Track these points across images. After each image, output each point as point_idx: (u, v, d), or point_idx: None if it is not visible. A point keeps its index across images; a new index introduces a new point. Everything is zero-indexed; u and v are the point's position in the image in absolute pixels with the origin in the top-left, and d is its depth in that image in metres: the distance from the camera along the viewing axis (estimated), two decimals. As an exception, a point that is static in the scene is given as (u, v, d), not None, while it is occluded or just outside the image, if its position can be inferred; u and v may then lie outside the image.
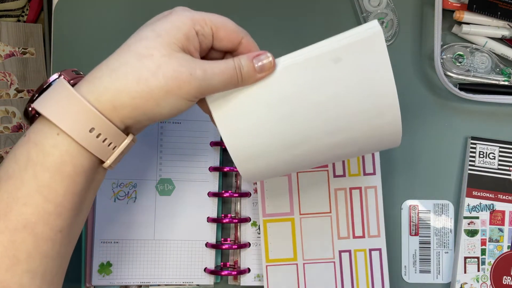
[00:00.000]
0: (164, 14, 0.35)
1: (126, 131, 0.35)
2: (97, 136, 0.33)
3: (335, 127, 0.35)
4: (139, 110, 0.33)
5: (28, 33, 0.87)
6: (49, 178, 0.32)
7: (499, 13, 0.51)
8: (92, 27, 0.54)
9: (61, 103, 0.32)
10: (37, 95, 0.35)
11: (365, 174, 0.50)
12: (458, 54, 0.53)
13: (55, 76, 0.36)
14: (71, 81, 0.35)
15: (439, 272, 0.52)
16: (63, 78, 0.35)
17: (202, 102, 0.37)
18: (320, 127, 0.35)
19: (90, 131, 0.32)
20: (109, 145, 0.34)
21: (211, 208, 0.50)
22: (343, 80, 0.34)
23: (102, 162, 0.35)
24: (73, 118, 0.32)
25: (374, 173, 0.50)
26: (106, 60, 0.34)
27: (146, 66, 0.32)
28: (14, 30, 0.85)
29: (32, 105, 0.34)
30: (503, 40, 0.53)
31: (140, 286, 0.50)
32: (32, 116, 0.35)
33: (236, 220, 0.50)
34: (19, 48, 0.86)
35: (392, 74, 0.33)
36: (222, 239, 0.51)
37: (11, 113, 0.85)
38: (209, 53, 0.37)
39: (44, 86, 0.36)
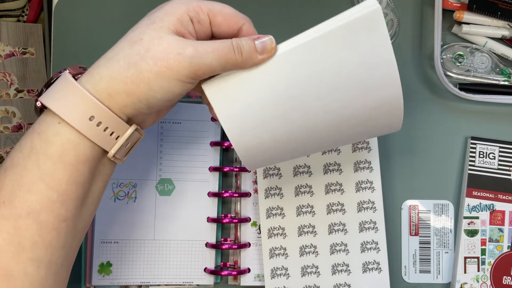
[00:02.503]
0: (163, 4, 0.35)
1: (130, 122, 0.35)
2: (98, 125, 0.33)
3: (337, 106, 0.35)
4: (133, 96, 0.33)
5: (28, 33, 0.87)
6: (52, 166, 0.32)
7: (499, 13, 0.51)
8: (92, 27, 0.54)
9: (61, 93, 0.33)
10: (45, 89, 0.36)
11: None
12: (458, 54, 0.53)
13: (62, 70, 0.37)
14: (77, 76, 0.36)
15: (439, 272, 0.52)
16: (68, 72, 0.36)
17: (203, 92, 0.36)
18: (322, 107, 0.35)
19: (90, 119, 0.33)
20: (111, 134, 0.34)
21: (211, 208, 0.50)
22: (344, 59, 0.33)
23: (107, 152, 0.35)
24: (73, 107, 0.33)
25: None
26: (105, 52, 0.34)
27: (136, 51, 0.33)
28: (14, 30, 0.85)
29: (38, 99, 0.34)
30: (503, 40, 0.53)
31: (140, 286, 0.50)
32: (40, 110, 0.36)
33: (236, 220, 0.50)
34: (19, 48, 0.86)
35: (391, 49, 0.33)
36: (222, 239, 0.51)
37: (11, 113, 0.85)
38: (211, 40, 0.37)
39: (51, 81, 0.36)
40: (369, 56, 0.33)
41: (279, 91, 0.34)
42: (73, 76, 0.34)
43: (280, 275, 0.49)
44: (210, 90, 0.35)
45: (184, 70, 0.32)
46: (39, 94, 0.36)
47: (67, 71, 0.36)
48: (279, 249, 0.49)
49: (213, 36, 0.36)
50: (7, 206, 0.32)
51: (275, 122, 0.35)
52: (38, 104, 0.35)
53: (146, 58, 0.32)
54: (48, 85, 0.36)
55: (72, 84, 0.33)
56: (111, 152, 0.35)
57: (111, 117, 0.33)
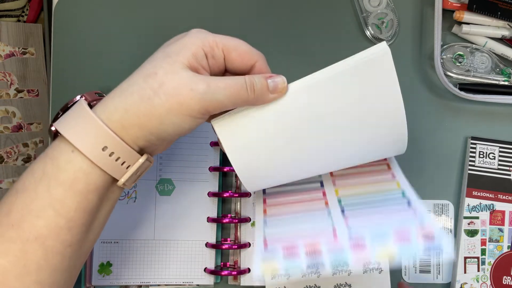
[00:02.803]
0: (179, 36, 0.36)
1: (141, 152, 0.36)
2: (110, 155, 0.33)
3: (343, 142, 0.36)
4: (146, 129, 0.33)
5: (28, 33, 0.87)
6: (62, 193, 0.33)
7: (499, 13, 0.51)
8: (92, 27, 0.54)
9: (76, 122, 0.34)
10: (61, 113, 0.37)
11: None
12: (458, 54, 0.53)
13: (78, 97, 0.37)
14: (93, 103, 0.36)
15: (439, 272, 0.52)
16: (84, 99, 0.36)
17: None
18: (328, 144, 0.36)
19: (103, 149, 0.33)
20: (122, 164, 0.34)
21: (211, 208, 0.51)
22: (353, 100, 0.35)
23: (116, 180, 0.35)
24: (86, 136, 0.33)
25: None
26: (122, 82, 0.35)
27: (150, 85, 0.33)
28: (14, 30, 0.85)
29: (53, 124, 0.35)
30: (503, 40, 0.53)
31: (140, 286, 0.50)
32: (54, 134, 0.36)
33: (236, 220, 0.50)
34: (19, 48, 0.86)
35: (399, 91, 0.34)
36: (222, 239, 0.51)
37: (11, 113, 0.85)
38: (224, 76, 0.37)
39: (68, 106, 0.37)
40: (378, 97, 0.35)
41: (287, 129, 0.35)
42: (89, 103, 0.35)
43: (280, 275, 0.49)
44: (218, 125, 0.36)
45: (196, 106, 0.33)
46: (55, 118, 0.37)
47: (83, 98, 0.37)
48: None
49: (226, 71, 0.37)
50: (15, 229, 0.32)
51: (282, 156, 0.36)
52: (53, 128, 0.36)
53: (159, 93, 0.32)
54: (64, 109, 0.37)
55: (88, 113, 0.33)
56: (121, 180, 0.35)
57: (124, 148, 0.34)
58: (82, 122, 0.33)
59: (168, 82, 0.32)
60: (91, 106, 0.34)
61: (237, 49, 0.35)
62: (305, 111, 0.35)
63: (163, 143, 0.36)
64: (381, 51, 0.34)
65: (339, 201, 0.40)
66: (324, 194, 0.42)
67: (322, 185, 0.43)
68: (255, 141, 0.36)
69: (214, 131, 0.36)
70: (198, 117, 0.34)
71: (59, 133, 0.34)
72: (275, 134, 0.35)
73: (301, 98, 0.35)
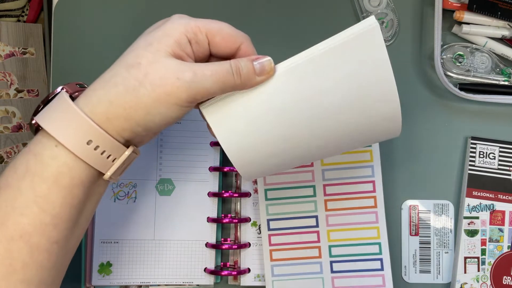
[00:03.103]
0: (160, 23, 0.35)
1: (127, 144, 0.35)
2: (95, 149, 0.33)
3: (336, 121, 0.35)
4: (132, 120, 0.33)
5: (28, 33, 0.87)
6: (46, 189, 0.32)
7: (499, 13, 0.51)
8: (92, 27, 0.54)
9: (59, 116, 0.33)
10: (42, 106, 0.36)
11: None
12: (458, 54, 0.53)
13: (59, 89, 0.36)
14: (74, 94, 0.35)
15: (439, 272, 0.52)
16: (65, 91, 0.35)
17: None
18: (320, 123, 0.35)
19: (88, 143, 0.32)
20: (108, 157, 0.34)
21: (211, 208, 0.50)
22: (343, 77, 0.34)
23: (102, 174, 0.35)
24: (70, 130, 0.32)
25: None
26: (103, 73, 0.34)
27: (134, 75, 0.32)
28: (14, 30, 0.85)
29: (34, 118, 0.34)
30: (503, 40, 0.53)
31: (140, 286, 0.50)
32: (36, 128, 0.35)
33: (236, 220, 0.50)
34: (19, 48, 0.86)
35: (389, 63, 0.33)
36: (222, 239, 0.51)
37: (11, 113, 0.85)
38: (208, 60, 0.36)
39: (49, 98, 0.36)
40: (368, 73, 0.33)
41: (277, 110, 0.34)
42: (70, 95, 0.34)
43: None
44: (208, 111, 0.35)
45: (183, 95, 0.32)
46: (36, 111, 0.35)
47: (64, 90, 0.35)
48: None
49: (211, 55, 0.36)
50: None
51: (273, 139, 0.35)
52: (34, 122, 0.35)
53: (145, 83, 0.32)
54: (45, 102, 0.36)
55: (70, 107, 0.33)
56: (107, 174, 0.34)
57: (109, 141, 0.33)
58: (65, 115, 0.32)
59: (153, 72, 0.32)
60: (73, 98, 0.33)
61: (221, 33, 0.35)
62: (294, 91, 0.34)
63: (149, 134, 0.36)
64: (369, 26, 0.33)
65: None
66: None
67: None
68: (245, 125, 0.35)
69: (203, 117, 0.35)
70: (186, 106, 0.33)
71: (41, 127, 0.33)
72: (265, 116, 0.34)
73: (289, 78, 0.34)
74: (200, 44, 0.34)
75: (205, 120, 0.35)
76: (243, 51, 0.36)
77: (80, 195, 0.34)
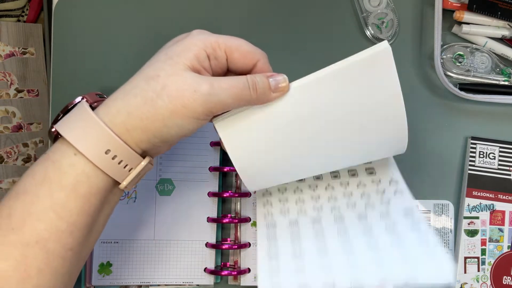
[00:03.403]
0: (180, 37, 0.36)
1: (143, 154, 0.36)
2: (113, 158, 0.33)
3: (344, 139, 0.36)
4: (149, 132, 0.33)
5: (28, 33, 0.87)
6: (64, 196, 0.33)
7: (499, 13, 0.51)
8: (92, 27, 0.54)
9: (78, 124, 0.33)
10: (61, 115, 0.36)
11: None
12: (458, 54, 0.53)
13: (79, 98, 0.37)
14: (94, 104, 0.36)
15: (439, 272, 0.52)
16: (85, 100, 0.36)
17: None
18: (329, 140, 0.36)
19: (106, 152, 0.33)
20: (125, 167, 0.34)
21: (211, 208, 0.50)
22: (354, 96, 0.35)
23: (118, 183, 0.35)
24: (90, 139, 0.33)
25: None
26: (124, 84, 0.35)
27: (152, 87, 0.33)
28: (14, 30, 0.85)
29: (54, 126, 0.34)
30: (503, 40, 0.53)
31: (140, 286, 0.50)
32: (55, 136, 0.36)
33: (236, 220, 0.50)
34: (19, 48, 0.86)
35: (400, 90, 0.34)
36: (222, 239, 0.51)
37: (11, 113, 0.85)
38: (225, 75, 0.37)
39: (69, 107, 0.36)
40: (378, 92, 0.35)
41: (289, 126, 0.35)
42: (90, 105, 0.34)
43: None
44: (220, 124, 0.36)
45: (199, 108, 0.32)
46: (55, 120, 0.36)
47: (84, 99, 0.36)
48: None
49: (228, 71, 0.37)
50: (16, 233, 0.32)
51: (283, 155, 0.36)
52: (54, 130, 0.35)
53: (162, 95, 0.32)
54: (65, 111, 0.36)
55: (90, 116, 0.33)
56: (123, 184, 0.35)
57: (127, 151, 0.34)
58: (84, 124, 0.33)
59: (171, 84, 0.32)
60: (92, 108, 0.34)
61: (239, 49, 0.35)
62: (306, 109, 0.35)
63: (166, 145, 0.36)
64: (382, 50, 0.34)
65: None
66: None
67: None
68: (256, 140, 0.36)
69: (216, 131, 0.36)
70: (202, 119, 0.33)
71: (60, 135, 0.34)
72: (277, 133, 0.35)
73: (302, 96, 0.35)
74: (219, 60, 0.35)
75: (218, 134, 0.36)
76: (259, 68, 0.36)
77: (96, 204, 0.34)
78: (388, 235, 0.37)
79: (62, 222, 0.33)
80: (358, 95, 0.35)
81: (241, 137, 0.36)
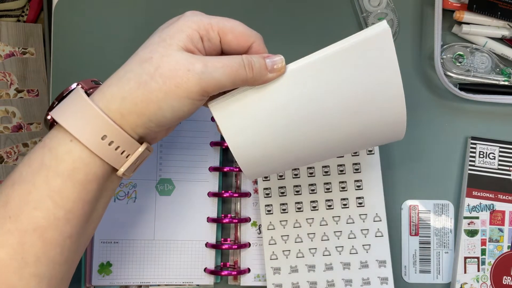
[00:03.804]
0: (173, 19, 0.35)
1: (141, 140, 0.35)
2: (110, 144, 0.33)
3: (342, 122, 0.35)
4: (144, 116, 0.33)
5: (28, 33, 0.87)
6: (61, 184, 0.32)
7: (499, 13, 0.51)
8: (92, 27, 0.54)
9: (74, 111, 0.33)
10: (56, 102, 0.36)
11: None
12: (458, 54, 0.53)
13: (74, 85, 0.36)
14: (89, 90, 0.36)
15: (439, 272, 0.52)
16: (80, 87, 0.35)
17: None
18: (327, 123, 0.35)
19: (102, 138, 0.33)
20: (122, 153, 0.34)
21: (211, 208, 0.50)
22: (352, 78, 0.34)
23: (116, 170, 0.35)
24: (85, 125, 0.32)
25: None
26: (118, 69, 0.34)
27: (146, 70, 0.32)
28: (14, 30, 0.85)
29: (49, 113, 0.34)
30: (503, 40, 0.53)
31: (140, 286, 0.50)
32: (51, 124, 0.35)
33: (236, 220, 0.50)
34: (19, 48, 0.86)
35: (398, 67, 0.34)
36: (222, 239, 0.51)
37: (11, 113, 0.85)
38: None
39: (64, 94, 0.36)
40: (376, 74, 0.34)
41: (286, 109, 0.35)
42: (85, 91, 0.34)
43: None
44: (216, 107, 0.35)
45: (194, 87, 0.32)
46: (51, 107, 0.36)
47: (80, 86, 0.36)
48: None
49: (222, 53, 0.36)
50: (13, 221, 0.32)
51: (280, 139, 0.35)
52: (49, 117, 0.35)
53: (155, 77, 0.32)
54: (60, 98, 0.36)
55: (86, 102, 0.33)
56: (121, 170, 0.35)
57: (123, 136, 0.33)
58: (80, 110, 0.33)
59: (164, 65, 0.32)
60: (88, 94, 0.34)
61: (233, 31, 0.35)
62: (303, 91, 0.34)
63: (163, 130, 0.36)
64: (381, 31, 0.33)
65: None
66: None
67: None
68: (253, 123, 0.35)
69: (212, 113, 0.35)
70: (197, 99, 0.33)
71: (56, 122, 0.33)
72: (274, 115, 0.35)
73: (299, 78, 0.34)
74: (212, 41, 0.35)
75: (213, 118, 0.36)
76: (255, 49, 0.36)
77: (93, 190, 0.34)
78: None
79: (60, 210, 0.32)
80: (357, 76, 0.34)
81: (237, 120, 0.35)
